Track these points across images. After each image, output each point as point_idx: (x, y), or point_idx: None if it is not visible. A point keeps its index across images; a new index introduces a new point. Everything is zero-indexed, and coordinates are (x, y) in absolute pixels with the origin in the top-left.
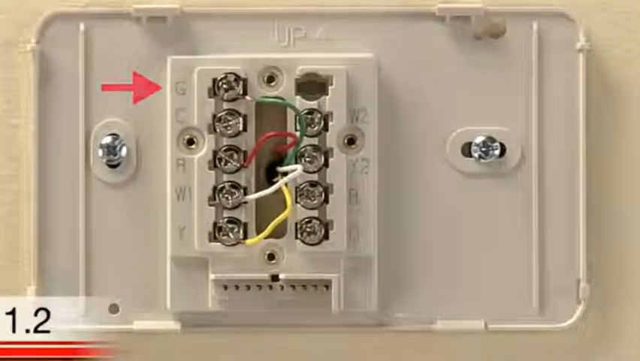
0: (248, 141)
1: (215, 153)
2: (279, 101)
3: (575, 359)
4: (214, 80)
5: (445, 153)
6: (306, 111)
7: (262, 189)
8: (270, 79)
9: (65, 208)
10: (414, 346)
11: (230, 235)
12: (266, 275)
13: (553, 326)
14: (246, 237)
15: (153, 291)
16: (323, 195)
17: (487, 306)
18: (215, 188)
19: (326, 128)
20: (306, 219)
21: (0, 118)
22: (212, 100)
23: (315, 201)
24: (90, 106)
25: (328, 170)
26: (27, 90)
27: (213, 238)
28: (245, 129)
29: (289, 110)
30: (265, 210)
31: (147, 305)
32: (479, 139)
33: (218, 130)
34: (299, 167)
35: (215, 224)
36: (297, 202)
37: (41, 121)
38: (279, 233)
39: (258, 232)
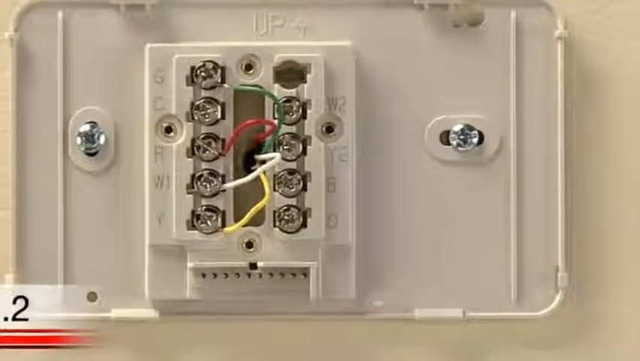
0: (226, 129)
1: (193, 141)
2: (258, 89)
3: (553, 347)
4: (192, 68)
5: (424, 141)
6: (284, 99)
7: (240, 177)
8: (249, 67)
9: (44, 196)
10: (392, 334)
11: (209, 222)
12: (244, 263)
13: (532, 314)
14: (224, 225)
15: (131, 279)
16: (301, 183)
17: (465, 294)
18: (193, 176)
19: (304, 116)
20: (285, 207)
21: None
22: (190, 88)
23: (293, 189)
24: (68, 94)
25: (306, 158)
26: (5, 78)
27: (191, 226)
28: (223, 117)
29: (267, 99)
30: (243, 198)
31: (125, 293)
32: (457, 127)
33: (196, 118)
34: (277, 155)
35: (193, 212)
36: (275, 190)
37: (20, 109)
38: (257, 221)
39: (237, 220)
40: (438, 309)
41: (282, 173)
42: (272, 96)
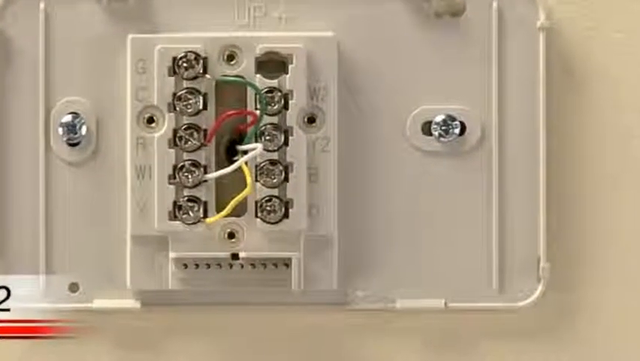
0: (208, 120)
1: (175, 131)
2: (239, 79)
3: (535, 337)
4: (174, 59)
5: (405, 131)
6: (266, 90)
7: (222, 167)
8: (230, 57)
9: (25, 187)
10: (374, 324)
11: (191, 213)
12: (226, 254)
13: (513, 304)
14: (206, 215)
15: (113, 269)
16: (283, 173)
17: (447, 285)
18: (175, 166)
19: (286, 106)
20: (266, 198)
21: None
22: (172, 78)
23: (275, 180)
24: (50, 85)
25: (288, 148)
26: None
27: (173, 216)
28: (205, 108)
29: (249, 89)
30: (225, 189)
31: (107, 284)
32: (439, 118)
33: (178, 109)
34: (259, 145)
35: (175, 203)
36: (257, 181)
37: (1, 100)
38: (239, 212)
39: (218, 210)
40: (420, 299)
41: (263, 163)
42: (254, 87)
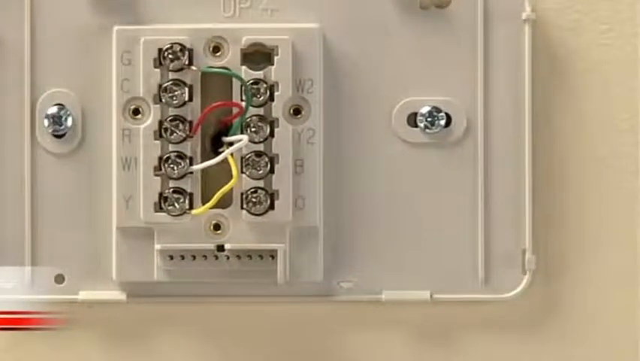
0: (194, 111)
1: (160, 123)
2: (225, 71)
3: (520, 329)
4: (160, 50)
5: (391, 123)
6: (251, 81)
7: (208, 159)
8: (216, 49)
9: (11, 178)
10: (360, 316)
11: (176, 205)
12: (211, 245)
13: (499, 296)
14: (191, 207)
15: (99, 261)
16: (269, 165)
17: (432, 276)
18: (160, 158)
19: (272, 98)
20: (252, 190)
21: None
22: (157, 70)
23: (260, 172)
24: (36, 76)
25: (274, 140)
26: None
27: (159, 208)
28: (190, 99)
29: (235, 81)
30: (211, 181)
31: (93, 275)
32: (425, 109)
33: (163, 100)
34: (244, 137)
35: (160, 194)
36: (242, 172)
37: None
38: (224, 203)
39: (204, 202)
40: (405, 291)
41: (249, 155)
42: (239, 78)
